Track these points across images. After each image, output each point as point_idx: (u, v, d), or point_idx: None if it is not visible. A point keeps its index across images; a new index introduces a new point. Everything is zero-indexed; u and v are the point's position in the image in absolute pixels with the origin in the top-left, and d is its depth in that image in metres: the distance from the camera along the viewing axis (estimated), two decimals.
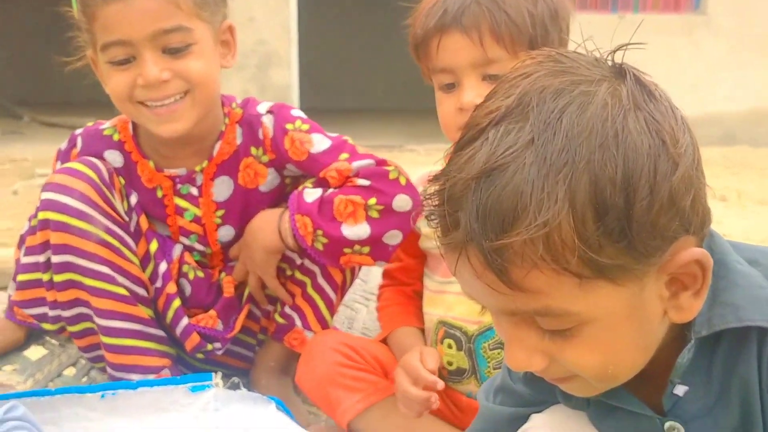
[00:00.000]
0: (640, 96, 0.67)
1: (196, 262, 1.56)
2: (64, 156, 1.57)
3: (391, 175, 1.42)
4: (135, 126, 1.52)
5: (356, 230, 1.41)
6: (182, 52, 1.37)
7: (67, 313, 1.46)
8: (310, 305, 1.54)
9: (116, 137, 1.53)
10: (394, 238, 1.42)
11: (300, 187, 1.49)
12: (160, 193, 1.52)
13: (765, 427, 0.75)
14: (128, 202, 1.50)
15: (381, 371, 1.37)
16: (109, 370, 1.46)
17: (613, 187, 0.63)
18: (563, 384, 0.77)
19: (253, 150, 1.51)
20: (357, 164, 1.44)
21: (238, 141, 1.51)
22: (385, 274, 1.53)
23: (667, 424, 0.79)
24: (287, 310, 1.54)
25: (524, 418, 0.92)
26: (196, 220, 1.53)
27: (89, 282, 1.40)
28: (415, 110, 7.52)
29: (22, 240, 1.63)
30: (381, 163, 1.45)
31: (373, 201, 1.40)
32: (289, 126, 1.49)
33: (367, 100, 7.91)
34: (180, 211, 1.53)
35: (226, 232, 1.54)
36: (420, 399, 1.24)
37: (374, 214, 1.41)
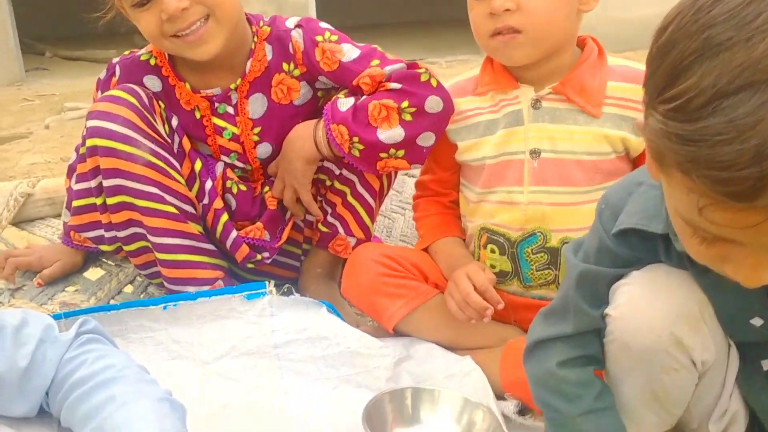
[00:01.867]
0: None
1: (238, 177, 1.61)
2: (104, 85, 1.61)
3: (423, 78, 1.43)
4: None
5: (391, 134, 1.43)
6: None
7: (122, 234, 1.52)
8: (351, 213, 1.58)
9: (153, 62, 1.57)
10: (427, 139, 1.44)
11: (333, 98, 1.51)
12: (198, 114, 1.56)
13: None
14: (170, 125, 1.55)
15: (421, 277, 1.42)
16: (166, 284, 1.53)
17: None
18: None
19: (284, 65, 1.54)
20: (389, 68, 1.45)
21: (269, 57, 1.54)
22: (419, 185, 1.55)
23: None
24: (330, 218, 1.59)
25: (620, 278, 0.95)
26: (235, 138, 1.57)
27: (140, 203, 1.47)
28: (434, 21, 7.40)
29: (71, 169, 1.69)
30: (412, 66, 1.46)
31: (405, 104, 1.42)
32: (318, 38, 1.51)
33: (384, 14, 7.78)
34: (219, 131, 1.57)
35: (265, 149, 1.58)
36: (479, 307, 1.29)
37: (407, 117, 1.42)
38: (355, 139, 1.44)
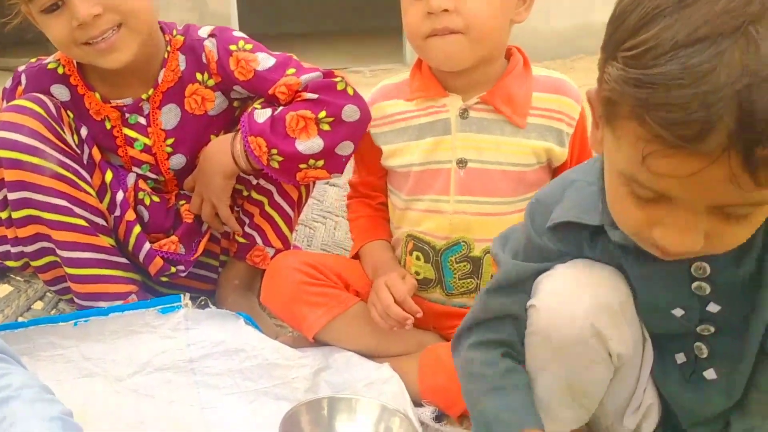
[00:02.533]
0: None
1: (151, 188, 1.58)
2: (9, 94, 1.55)
3: (339, 86, 1.43)
4: None
5: (310, 144, 1.42)
6: None
7: (29, 249, 1.47)
8: (269, 223, 1.57)
9: (61, 70, 1.52)
10: (346, 148, 1.44)
11: (249, 109, 1.50)
12: (108, 125, 1.52)
13: None
14: (79, 135, 1.50)
15: (342, 285, 1.42)
16: (76, 300, 1.48)
17: None
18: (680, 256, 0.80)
19: (198, 75, 1.52)
20: (305, 77, 1.44)
21: (182, 68, 1.51)
22: (351, 186, 1.55)
23: (695, 264, 0.88)
24: (247, 229, 1.57)
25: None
26: (147, 149, 1.54)
27: (47, 216, 1.42)
28: (358, 31, 7.44)
29: None
30: (328, 74, 1.45)
31: (323, 114, 1.41)
32: (232, 47, 1.49)
33: (307, 24, 7.77)
34: (130, 142, 1.53)
35: (178, 161, 1.55)
36: (400, 318, 1.31)
37: (325, 127, 1.42)
38: (274, 151, 1.43)
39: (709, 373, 0.96)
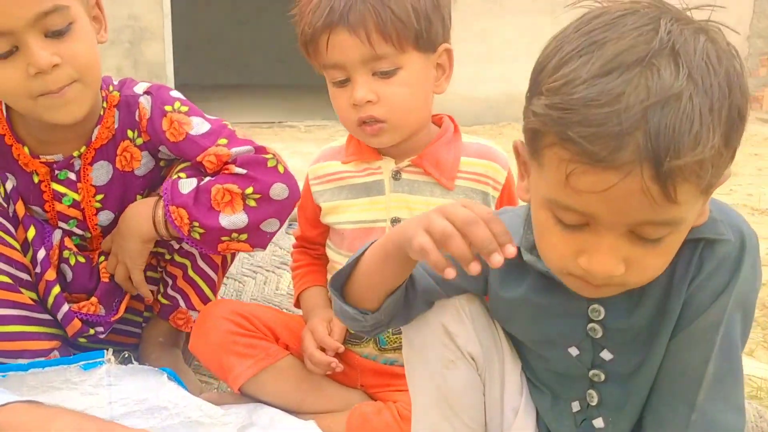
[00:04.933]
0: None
1: (76, 245, 1.54)
2: None
3: (270, 163, 1.43)
4: (8, 108, 1.45)
5: (233, 219, 1.41)
6: (65, 34, 1.30)
7: None
8: (192, 287, 1.56)
9: None
10: (271, 225, 1.44)
11: (174, 175, 1.47)
12: (36, 179, 1.48)
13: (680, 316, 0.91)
14: (4, 188, 1.45)
15: (272, 337, 1.44)
16: None
17: (739, 116, 0.77)
18: (602, 289, 0.86)
19: (129, 132, 1.50)
20: (236, 150, 1.43)
21: (116, 125, 1.49)
22: (296, 238, 1.57)
23: (592, 306, 0.95)
24: (170, 291, 1.56)
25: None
26: (75, 204, 1.51)
27: None
28: (293, 86, 7.51)
29: None
30: (260, 150, 1.44)
31: (250, 190, 1.41)
32: (168, 108, 1.47)
33: (243, 76, 7.81)
34: (58, 197, 1.50)
35: (106, 216, 1.53)
36: (323, 363, 1.36)
37: (252, 203, 1.41)
38: (195, 223, 1.42)
39: (598, 422, 1.02)
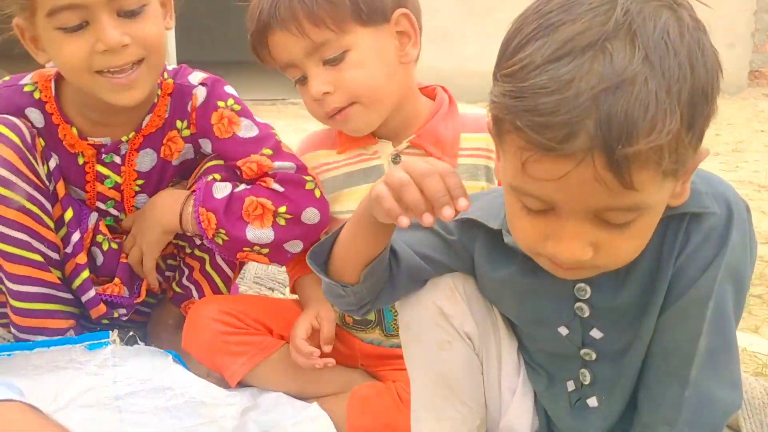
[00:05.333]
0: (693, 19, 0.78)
1: (108, 226, 1.54)
2: None
3: (308, 186, 1.40)
4: (58, 86, 1.45)
5: (260, 234, 1.40)
6: (138, 15, 1.30)
7: None
8: (207, 281, 1.56)
9: (37, 95, 1.45)
10: (295, 246, 1.42)
11: (208, 176, 1.46)
12: (81, 160, 1.48)
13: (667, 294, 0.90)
14: (48, 166, 1.45)
15: (265, 330, 1.43)
16: (13, 331, 1.45)
17: (704, 95, 0.75)
18: (575, 271, 0.86)
19: (178, 123, 1.49)
20: (278, 165, 1.41)
21: (167, 114, 1.48)
22: None
23: (578, 285, 0.95)
24: (185, 281, 1.56)
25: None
26: (116, 186, 1.51)
27: (5, 247, 1.38)
28: None
29: None
30: (301, 170, 1.42)
31: (283, 209, 1.39)
32: (221, 103, 1.46)
33: (246, 52, 7.75)
34: (101, 178, 1.50)
35: (143, 200, 1.53)
36: (303, 352, 1.34)
37: (281, 222, 1.40)
38: (222, 230, 1.41)
39: (592, 401, 1.02)
